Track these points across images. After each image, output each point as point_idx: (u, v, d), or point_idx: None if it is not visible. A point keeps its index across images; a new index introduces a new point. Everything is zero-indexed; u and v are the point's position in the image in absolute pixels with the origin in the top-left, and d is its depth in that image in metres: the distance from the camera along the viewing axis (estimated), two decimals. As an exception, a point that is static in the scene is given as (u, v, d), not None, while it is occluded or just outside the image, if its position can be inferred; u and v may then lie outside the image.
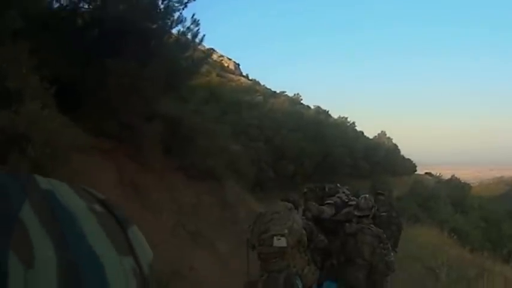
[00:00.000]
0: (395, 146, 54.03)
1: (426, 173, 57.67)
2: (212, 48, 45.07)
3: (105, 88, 8.36)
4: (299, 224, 4.85)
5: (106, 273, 0.45)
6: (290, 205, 5.06)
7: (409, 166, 55.67)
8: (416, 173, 56.46)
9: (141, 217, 8.10)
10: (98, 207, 0.55)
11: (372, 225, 5.47)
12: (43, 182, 0.52)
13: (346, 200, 6.69)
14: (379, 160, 40.87)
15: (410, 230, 18.64)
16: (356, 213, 5.53)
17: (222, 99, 26.90)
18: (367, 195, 6.02)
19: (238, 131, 24.38)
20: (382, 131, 52.91)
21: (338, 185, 7.93)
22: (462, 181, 48.11)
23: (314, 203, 6.50)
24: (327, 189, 7.34)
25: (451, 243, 16.66)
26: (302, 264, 4.88)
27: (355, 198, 7.01)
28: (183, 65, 10.73)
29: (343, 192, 7.17)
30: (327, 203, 6.61)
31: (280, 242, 4.57)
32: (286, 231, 4.59)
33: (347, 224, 5.59)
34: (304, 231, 4.91)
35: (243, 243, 9.62)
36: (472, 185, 54.16)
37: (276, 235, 4.62)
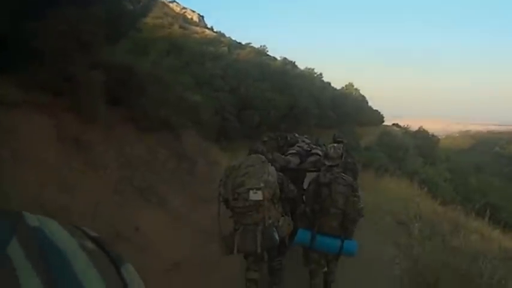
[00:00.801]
0: (363, 97, 53.84)
1: (394, 124, 57.06)
2: (174, 0, 43.66)
3: (40, 37, 7.43)
4: (274, 176, 4.79)
5: None
6: (263, 157, 4.97)
7: (377, 117, 55.59)
8: (383, 124, 56.18)
9: (82, 175, 7.47)
10: (89, 245, 0.56)
11: (343, 173, 5.38)
12: (31, 219, 0.53)
13: (308, 149, 6.99)
14: (347, 110, 40.52)
15: (379, 182, 18.13)
16: (326, 162, 5.37)
17: (184, 50, 25.90)
18: (336, 144, 5.85)
19: (201, 82, 24.03)
20: (349, 82, 52.52)
21: (296, 134, 8.21)
22: (430, 133, 47.87)
23: (279, 155, 6.53)
24: (288, 138, 7.66)
25: (421, 195, 15.73)
26: (277, 216, 4.85)
27: (316, 146, 7.42)
28: (129, 8, 9.63)
29: (303, 141, 7.50)
30: (291, 153, 6.80)
31: (256, 196, 4.53)
32: (262, 184, 4.55)
33: (319, 174, 5.44)
34: (277, 183, 4.87)
35: (201, 197, 9.26)
36: (439, 137, 53.77)
37: (252, 189, 4.55)
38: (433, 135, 46.76)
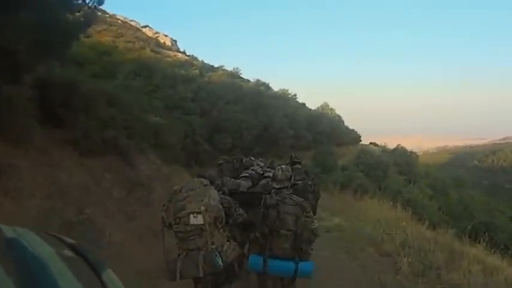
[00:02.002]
0: (339, 116, 52.76)
1: (371, 143, 55.60)
2: (147, 25, 42.56)
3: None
4: (216, 200, 4.59)
5: None
6: (206, 181, 4.73)
7: (354, 136, 54.36)
8: (361, 143, 54.89)
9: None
10: (67, 253, 0.54)
11: (292, 194, 5.02)
12: (8, 231, 0.51)
13: (262, 172, 6.80)
14: (323, 130, 39.36)
15: (359, 204, 16.54)
16: (275, 185, 5.09)
17: (155, 73, 24.70)
18: (284, 166, 5.45)
19: (171, 105, 22.82)
20: (324, 102, 51.29)
21: (252, 158, 8.01)
22: (408, 150, 46.49)
23: (229, 178, 6.27)
24: (244, 161, 7.43)
25: (406, 219, 13.72)
26: (221, 241, 4.64)
27: (270, 169, 6.97)
28: (67, 18, 8.21)
29: (258, 165, 7.31)
30: (243, 176, 6.55)
31: (197, 220, 4.38)
32: (202, 208, 4.38)
33: (267, 196, 5.11)
34: (221, 207, 4.64)
35: (152, 230, 8.19)
36: (418, 154, 52.56)
37: (192, 213, 4.38)
38: (411, 152, 45.06)
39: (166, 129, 15.08)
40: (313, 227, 4.95)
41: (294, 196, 4.99)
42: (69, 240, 0.60)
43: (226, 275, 4.95)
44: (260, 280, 5.30)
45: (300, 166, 7.22)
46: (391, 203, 16.44)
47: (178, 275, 4.49)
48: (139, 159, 10.65)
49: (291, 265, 4.81)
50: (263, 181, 6.45)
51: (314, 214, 6.27)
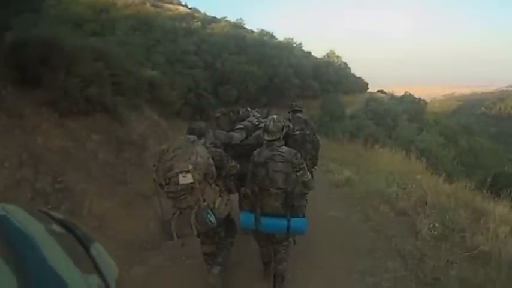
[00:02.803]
0: (346, 64, 50.89)
1: (379, 91, 53.39)
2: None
3: None
4: (204, 156, 4.33)
5: None
6: (192, 137, 4.48)
7: (361, 84, 52.41)
8: (368, 91, 53.13)
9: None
10: (56, 228, 0.53)
11: (283, 147, 4.71)
12: None
13: (257, 123, 6.37)
14: (329, 79, 37.99)
15: (369, 154, 15.18)
16: (266, 137, 4.74)
17: (154, 27, 23.57)
18: (275, 117, 5.02)
19: (173, 59, 21.92)
20: (330, 50, 49.12)
21: (249, 108, 7.44)
22: (416, 97, 44.37)
23: (221, 131, 5.91)
24: (241, 113, 6.89)
25: (421, 170, 12.32)
26: (213, 197, 4.45)
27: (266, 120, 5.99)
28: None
29: (254, 115, 6.87)
30: (238, 128, 6.21)
31: (186, 179, 4.16)
32: (190, 166, 4.14)
33: (255, 153, 4.84)
34: (211, 162, 4.39)
35: (142, 194, 7.64)
36: (426, 101, 50.25)
37: (181, 172, 4.14)
38: (420, 100, 43.01)
39: (164, 84, 14.14)
40: (306, 179, 4.68)
41: (285, 151, 4.63)
42: (58, 216, 0.56)
43: (225, 229, 4.84)
44: (255, 236, 5.12)
45: (300, 115, 6.96)
46: (403, 152, 14.74)
47: (174, 235, 4.39)
48: (131, 116, 9.65)
49: (283, 222, 4.62)
50: (256, 132, 6.05)
51: (315, 165, 6.65)
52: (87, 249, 0.54)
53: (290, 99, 30.54)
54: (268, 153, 4.63)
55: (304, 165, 4.73)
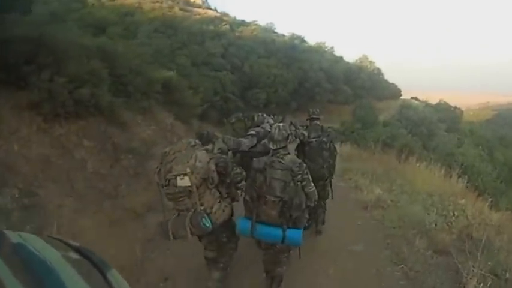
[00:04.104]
0: (378, 70, 49.11)
1: (412, 98, 50.89)
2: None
3: None
4: (203, 160, 4.11)
5: None
6: (193, 141, 4.29)
7: (394, 90, 50.70)
8: (401, 98, 50.91)
9: None
10: (72, 255, 0.52)
11: (288, 155, 4.37)
12: (13, 236, 0.49)
13: (269, 130, 5.29)
14: (362, 84, 36.60)
15: (404, 168, 12.92)
16: (271, 146, 4.42)
17: (180, 30, 22.62)
18: (281, 125, 4.61)
19: (199, 61, 20.88)
20: (363, 55, 47.61)
21: (264, 114, 7.07)
22: (452, 106, 41.54)
23: (230, 137, 5.61)
24: (256, 119, 6.68)
25: (463, 192, 10.14)
26: (211, 202, 4.25)
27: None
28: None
29: (268, 122, 6.60)
30: (249, 134, 5.84)
31: (183, 182, 4.00)
32: (188, 170, 3.97)
33: (254, 159, 4.53)
34: (212, 167, 4.16)
35: (131, 210, 6.54)
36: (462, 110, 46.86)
37: (179, 175, 4.00)
38: (455, 108, 40.33)
39: (183, 85, 12.98)
40: (309, 191, 4.37)
41: (287, 158, 4.34)
42: (74, 243, 0.54)
43: (226, 235, 4.59)
44: (257, 243, 4.75)
45: (318, 122, 6.51)
46: (443, 168, 12.42)
47: (171, 235, 4.21)
48: (136, 120, 8.49)
49: (278, 232, 4.29)
50: (264, 140, 5.61)
51: (332, 174, 6.41)
52: (104, 275, 0.52)
53: (321, 104, 29.47)
54: (269, 159, 4.35)
55: (308, 176, 4.39)
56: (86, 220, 5.67)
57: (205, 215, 4.14)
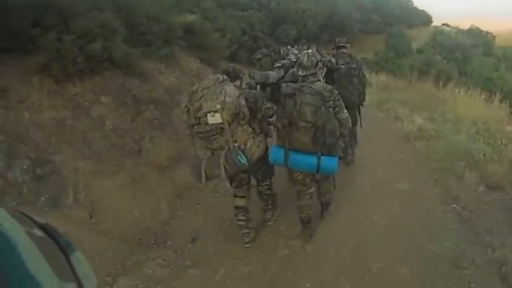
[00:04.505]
0: (408, -3, 46.06)
1: (443, 24, 47.25)
2: None
3: None
4: (232, 96, 3.89)
5: None
6: (221, 77, 4.01)
7: (425, 18, 47.37)
8: (432, 24, 47.54)
9: None
10: (38, 232, 0.49)
11: (318, 82, 4.27)
12: None
13: (295, 60, 5.52)
14: (392, 12, 34.32)
15: (443, 95, 11.83)
16: (300, 72, 4.27)
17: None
18: (310, 51, 4.48)
19: (224, 3, 19.83)
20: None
21: (289, 47, 6.98)
22: (483, 31, 37.27)
23: (256, 71, 5.26)
24: (282, 52, 6.58)
25: (507, 118, 9.21)
26: (244, 138, 4.07)
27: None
28: None
29: (292, 53, 6.38)
30: (276, 67, 5.59)
31: (214, 119, 3.82)
32: (218, 106, 3.77)
33: (283, 84, 4.71)
34: (243, 102, 3.98)
35: (155, 169, 5.95)
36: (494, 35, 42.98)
37: (209, 112, 3.79)
38: (487, 33, 37.10)
39: (207, 28, 12.05)
40: (342, 117, 4.28)
41: (317, 83, 4.25)
42: (41, 220, 0.51)
43: (261, 172, 4.48)
44: (289, 174, 4.76)
45: (345, 50, 6.19)
46: (483, 93, 11.26)
47: (203, 176, 4.05)
48: (157, 69, 7.89)
49: (313, 160, 4.11)
50: (292, 70, 5.34)
51: (363, 101, 6.19)
52: (67, 257, 0.49)
53: (352, 35, 28.00)
54: (298, 84, 4.19)
55: (341, 102, 4.29)
56: (105, 182, 5.12)
57: (240, 152, 3.98)
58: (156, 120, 6.72)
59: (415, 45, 26.32)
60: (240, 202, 4.48)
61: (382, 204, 5.05)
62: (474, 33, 34.98)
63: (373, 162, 6.16)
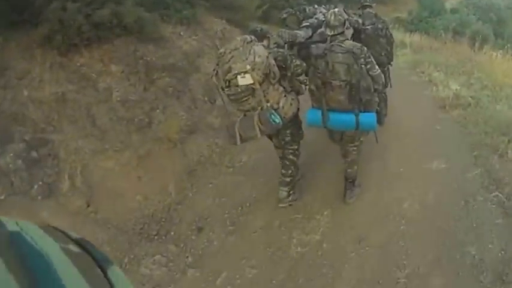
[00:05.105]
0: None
1: None
2: None
3: None
4: (262, 55, 3.64)
5: None
6: (249, 37, 3.75)
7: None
8: None
9: None
10: (72, 248, 0.45)
11: (347, 40, 3.89)
12: (10, 224, 0.42)
13: (323, 20, 4.92)
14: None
15: (480, 58, 10.21)
16: (328, 32, 3.93)
17: None
18: (337, 10, 4.05)
19: None
20: None
21: (316, 6, 6.21)
22: None
23: (284, 30, 4.82)
24: (307, 11, 5.77)
25: None
26: (277, 97, 3.84)
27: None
28: None
29: (320, 12, 5.69)
30: (304, 26, 5.07)
31: (245, 80, 3.61)
32: (248, 67, 3.55)
33: (312, 46, 4.18)
34: (272, 61, 3.73)
35: (164, 144, 5.21)
36: None
37: (239, 73, 3.58)
38: None
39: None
40: (374, 73, 3.88)
41: (347, 42, 3.85)
42: (75, 235, 0.46)
43: (290, 132, 4.08)
44: (330, 134, 4.31)
45: (371, 10, 5.75)
46: None
47: (238, 137, 3.84)
48: (176, 32, 6.98)
49: (351, 117, 3.83)
50: (320, 29, 4.99)
51: (391, 61, 5.75)
52: (104, 271, 0.44)
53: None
54: (328, 44, 3.92)
55: (372, 58, 3.93)
56: (107, 162, 4.46)
57: (273, 111, 3.79)
58: (171, 88, 5.93)
59: (448, 5, 23.87)
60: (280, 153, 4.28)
61: (415, 188, 4.17)
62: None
63: (405, 134, 5.18)
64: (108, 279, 0.43)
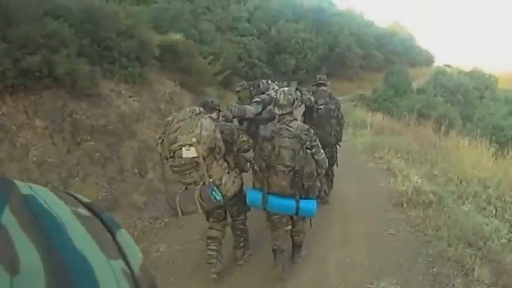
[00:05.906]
0: (411, 35, 45.89)
1: (445, 65, 46.21)
2: None
3: None
4: (209, 129, 3.68)
5: (96, 275, 0.39)
6: (198, 109, 3.80)
7: (427, 57, 47.44)
8: (435, 65, 46.85)
9: None
10: (83, 211, 0.47)
11: (295, 121, 3.99)
12: (23, 188, 0.44)
13: (275, 96, 4.78)
14: (394, 49, 33.94)
15: (445, 144, 10.07)
16: (276, 111, 4.07)
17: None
18: (286, 89, 4.27)
19: (223, 27, 19.04)
20: (395, 21, 44.78)
21: (269, 81, 6.55)
22: (486, 73, 36.47)
23: (234, 104, 5.19)
24: (261, 86, 6.16)
25: None
26: (220, 173, 3.87)
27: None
28: None
29: (273, 88, 6.05)
30: (255, 101, 5.41)
31: (189, 153, 3.65)
32: (194, 139, 3.59)
33: (261, 127, 4.59)
34: (218, 136, 3.79)
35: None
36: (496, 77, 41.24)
37: (184, 145, 3.61)
38: (490, 75, 35.94)
39: (192, 50, 11.23)
40: (319, 158, 3.90)
41: (294, 126, 3.88)
42: (85, 199, 0.49)
43: (237, 208, 4.18)
44: (267, 214, 4.20)
45: (325, 88, 6.07)
46: (491, 148, 9.25)
47: (179, 211, 3.80)
48: (117, 90, 6.87)
49: (292, 203, 3.84)
50: (269, 106, 5.26)
51: (339, 141, 5.98)
52: (113, 234, 0.47)
53: (353, 70, 27.18)
54: (276, 127, 3.98)
55: (318, 142, 3.95)
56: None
57: (215, 188, 3.77)
58: (97, 154, 5.57)
59: (415, 85, 25.54)
60: (214, 233, 4.21)
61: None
62: (476, 75, 34.07)
63: (348, 240, 4.65)
64: (117, 242, 0.45)
